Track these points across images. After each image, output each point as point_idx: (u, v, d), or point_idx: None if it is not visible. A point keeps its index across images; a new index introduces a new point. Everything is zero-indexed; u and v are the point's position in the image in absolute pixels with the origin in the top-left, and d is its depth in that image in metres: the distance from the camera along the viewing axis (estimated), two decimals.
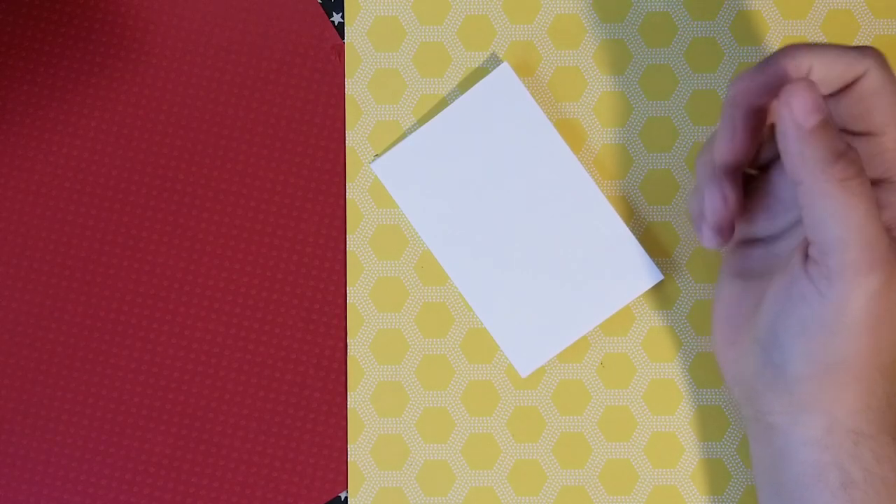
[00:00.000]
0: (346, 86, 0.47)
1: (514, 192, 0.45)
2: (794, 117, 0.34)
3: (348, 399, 0.46)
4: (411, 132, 0.46)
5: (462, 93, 0.46)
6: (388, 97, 0.46)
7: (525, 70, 0.46)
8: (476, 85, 0.45)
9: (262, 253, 0.46)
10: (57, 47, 0.47)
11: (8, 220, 0.46)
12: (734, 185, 0.39)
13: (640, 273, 0.45)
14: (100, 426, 0.46)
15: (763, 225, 0.40)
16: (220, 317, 0.46)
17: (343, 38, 0.47)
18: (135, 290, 0.46)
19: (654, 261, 0.46)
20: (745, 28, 0.46)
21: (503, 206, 0.45)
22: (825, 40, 0.46)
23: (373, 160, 0.46)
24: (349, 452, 0.46)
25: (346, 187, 0.46)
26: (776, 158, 0.40)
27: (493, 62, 0.46)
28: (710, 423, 0.46)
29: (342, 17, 0.47)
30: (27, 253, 0.46)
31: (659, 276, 0.45)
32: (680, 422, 0.46)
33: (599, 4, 0.47)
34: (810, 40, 0.46)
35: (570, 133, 0.46)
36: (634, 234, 0.46)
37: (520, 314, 0.45)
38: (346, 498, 0.46)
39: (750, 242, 0.41)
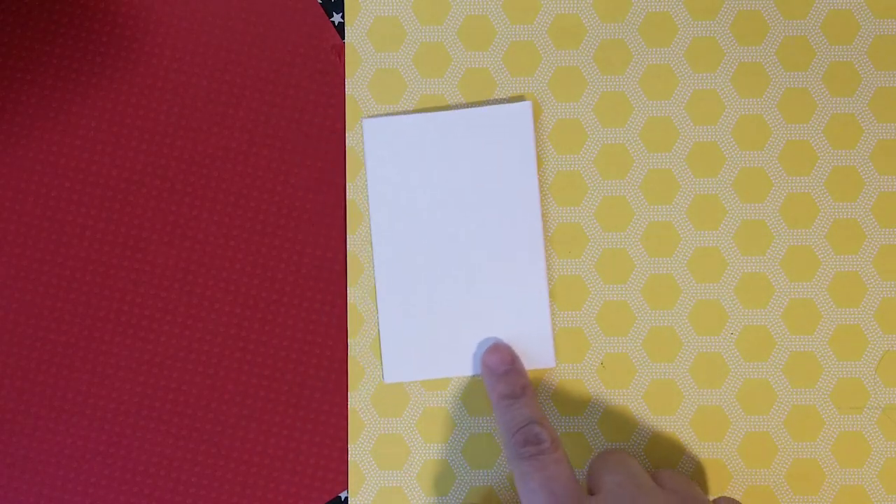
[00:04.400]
0: (346, 86, 0.47)
1: (471, 218, 0.45)
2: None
3: (348, 399, 0.46)
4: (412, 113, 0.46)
5: (465, 95, 0.46)
6: (388, 97, 0.46)
7: (525, 70, 0.46)
8: (493, 106, 0.45)
9: (262, 253, 0.46)
10: (57, 47, 0.47)
11: (8, 220, 0.46)
12: None
13: (538, 351, 0.45)
14: (100, 426, 0.46)
15: None
16: (220, 317, 0.46)
17: (343, 38, 0.47)
18: (135, 290, 0.46)
19: (653, 260, 0.46)
20: (745, 28, 0.46)
21: (455, 225, 0.45)
22: (825, 40, 0.46)
23: (366, 116, 0.46)
24: (349, 452, 0.46)
25: (346, 187, 0.46)
26: None
27: (527, 85, 0.46)
28: (711, 423, 0.46)
29: (342, 17, 0.47)
30: (27, 253, 0.46)
31: (551, 364, 0.45)
32: (680, 422, 0.46)
33: (599, 4, 0.47)
34: (810, 40, 0.46)
35: (570, 133, 0.46)
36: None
37: (416, 326, 0.45)
38: (346, 498, 0.46)
39: None
